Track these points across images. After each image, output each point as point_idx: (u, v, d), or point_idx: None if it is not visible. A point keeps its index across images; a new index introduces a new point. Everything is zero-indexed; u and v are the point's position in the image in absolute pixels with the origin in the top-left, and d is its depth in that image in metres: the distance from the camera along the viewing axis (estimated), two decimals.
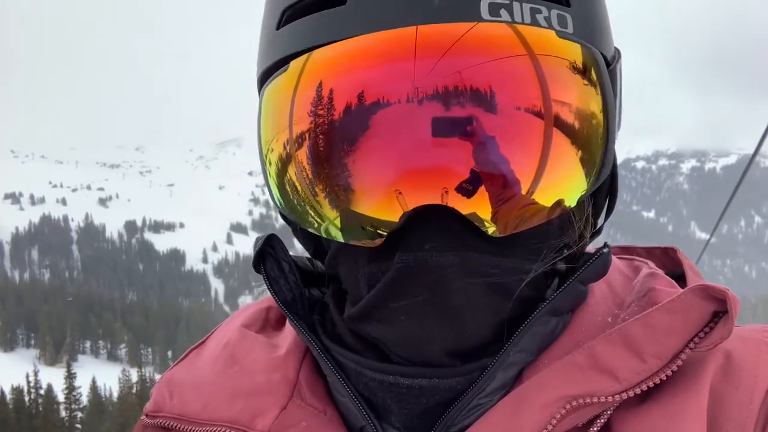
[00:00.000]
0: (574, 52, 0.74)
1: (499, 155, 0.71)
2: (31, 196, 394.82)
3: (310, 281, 0.99)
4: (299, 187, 0.78)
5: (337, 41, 0.74)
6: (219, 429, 0.85)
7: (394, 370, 0.78)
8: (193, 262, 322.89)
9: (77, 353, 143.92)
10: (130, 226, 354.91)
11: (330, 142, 0.74)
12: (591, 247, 0.88)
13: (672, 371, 0.72)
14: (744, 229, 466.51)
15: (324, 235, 0.79)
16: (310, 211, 0.78)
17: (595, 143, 0.74)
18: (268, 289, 0.91)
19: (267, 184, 0.83)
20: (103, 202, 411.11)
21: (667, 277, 0.89)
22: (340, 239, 0.78)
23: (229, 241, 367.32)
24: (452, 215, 0.72)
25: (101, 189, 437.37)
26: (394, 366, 0.79)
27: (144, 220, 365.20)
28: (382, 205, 0.73)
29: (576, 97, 0.73)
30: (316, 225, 0.79)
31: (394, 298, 0.76)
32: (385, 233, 0.74)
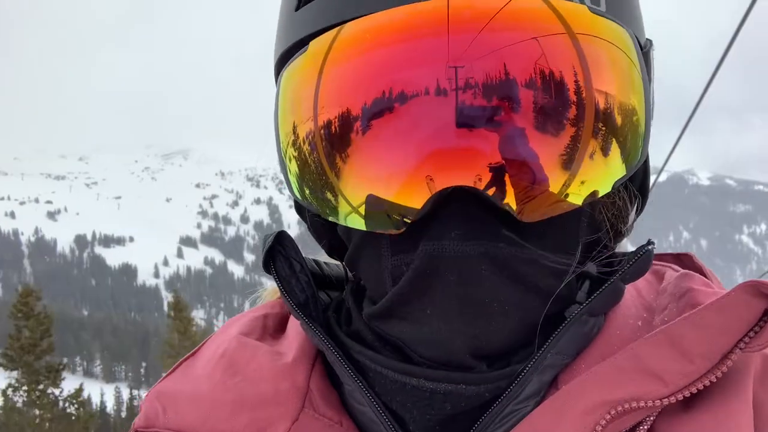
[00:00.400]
0: (607, 29, 0.70)
1: (531, 140, 0.68)
2: None
3: (318, 284, 0.94)
4: (323, 173, 0.74)
5: (360, 17, 0.71)
6: None
7: (419, 372, 0.74)
8: (144, 276, 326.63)
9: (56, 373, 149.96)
10: (81, 240, 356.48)
11: (357, 125, 0.70)
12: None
13: (722, 373, 0.69)
14: (673, 244, 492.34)
15: (347, 224, 0.75)
16: (333, 199, 0.74)
17: (628, 129, 0.71)
18: (280, 289, 0.86)
19: (285, 172, 0.79)
20: (51, 215, 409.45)
21: (701, 276, 0.87)
22: (363, 227, 0.73)
23: (180, 254, 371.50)
24: (479, 202, 0.69)
25: (49, 202, 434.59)
26: (419, 368, 0.75)
27: (94, 234, 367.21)
28: (410, 190, 0.69)
29: (612, 80, 0.69)
30: (338, 214, 0.75)
31: (418, 292, 0.73)
32: (410, 220, 0.70)
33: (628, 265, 0.77)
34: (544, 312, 0.74)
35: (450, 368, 0.74)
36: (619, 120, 0.70)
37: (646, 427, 0.71)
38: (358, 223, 0.73)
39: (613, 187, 0.72)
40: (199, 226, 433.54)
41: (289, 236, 0.90)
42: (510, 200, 0.68)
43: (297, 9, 0.79)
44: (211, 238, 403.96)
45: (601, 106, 0.68)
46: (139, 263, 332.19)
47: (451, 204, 0.69)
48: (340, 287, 0.96)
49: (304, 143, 0.74)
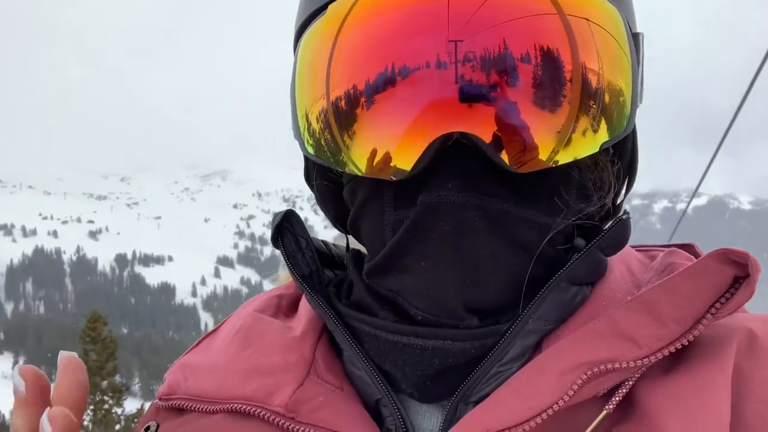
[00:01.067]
0: (595, 4, 0.77)
1: (523, 98, 0.73)
2: (23, 228, 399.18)
3: (324, 262, 1.01)
4: (332, 130, 0.79)
5: None
6: (234, 406, 0.85)
7: (409, 330, 0.79)
8: (183, 295, 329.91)
9: (97, 390, 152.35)
10: (121, 259, 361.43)
11: (362, 87, 0.76)
12: None
13: (693, 336, 0.72)
14: None
15: (354, 171, 0.80)
16: (343, 154, 0.80)
17: (615, 96, 0.76)
18: (286, 262, 0.93)
19: (298, 131, 0.85)
20: (93, 234, 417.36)
21: (687, 253, 0.90)
22: (361, 173, 0.79)
23: (217, 274, 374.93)
24: (475, 158, 0.74)
25: (91, 221, 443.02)
26: (409, 327, 0.80)
27: (134, 253, 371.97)
28: (411, 142, 0.75)
29: (598, 48, 0.75)
30: (347, 165, 0.80)
31: (415, 241, 0.77)
32: (409, 169, 0.75)
33: (603, 234, 0.82)
34: (528, 269, 0.78)
35: (443, 321, 0.79)
36: (605, 88, 0.75)
37: (624, 390, 0.74)
38: (358, 169, 0.79)
39: (599, 149, 0.77)
40: (236, 246, 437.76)
41: (297, 215, 0.98)
42: (501, 150, 0.73)
43: None
44: (247, 258, 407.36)
45: (587, 72, 0.74)
46: (177, 282, 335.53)
47: (449, 158, 0.74)
48: (346, 267, 1.01)
49: (317, 103, 0.80)
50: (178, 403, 0.93)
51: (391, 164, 0.76)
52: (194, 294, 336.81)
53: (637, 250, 0.99)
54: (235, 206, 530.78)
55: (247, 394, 0.85)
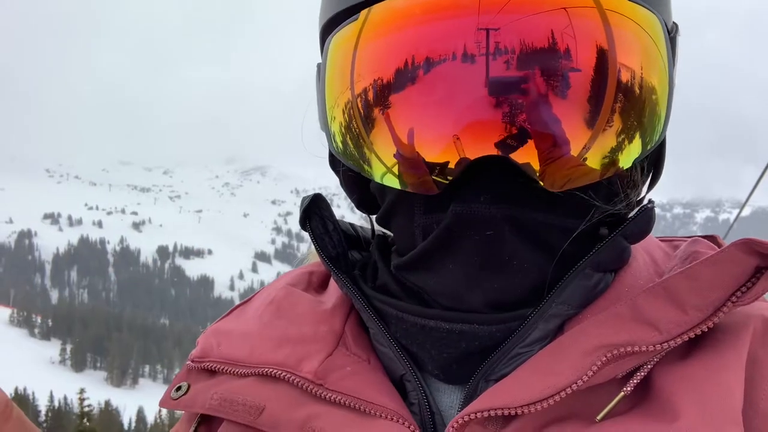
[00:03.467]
0: (638, 13, 0.75)
1: (560, 114, 0.72)
2: (69, 217, 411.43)
3: (351, 244, 1.04)
4: (364, 136, 0.80)
5: None
6: (265, 369, 0.88)
7: (435, 314, 0.81)
8: (221, 289, 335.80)
9: (138, 377, 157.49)
10: (163, 251, 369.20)
11: (396, 93, 0.75)
12: None
13: (713, 323, 0.73)
14: None
15: (384, 183, 0.81)
16: (374, 160, 0.80)
17: (652, 108, 0.76)
18: (313, 243, 0.95)
19: (329, 133, 0.85)
20: (136, 226, 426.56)
21: (710, 242, 0.92)
22: (397, 187, 0.80)
23: (255, 269, 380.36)
24: (508, 169, 0.74)
25: (135, 213, 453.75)
26: (436, 311, 0.82)
27: (175, 246, 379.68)
28: (443, 155, 0.75)
29: (638, 61, 0.74)
30: (375, 174, 0.81)
31: (445, 247, 0.79)
32: (444, 182, 0.76)
33: (627, 222, 0.82)
34: (552, 265, 0.80)
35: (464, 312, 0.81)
36: (642, 100, 0.74)
37: (643, 373, 0.74)
38: (393, 182, 0.80)
39: (632, 164, 0.77)
40: (273, 241, 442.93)
41: (324, 199, 0.99)
42: (537, 170, 0.74)
43: None
44: (284, 254, 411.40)
45: (627, 86, 0.73)
46: (216, 276, 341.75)
47: (482, 170, 0.74)
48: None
49: (347, 105, 0.80)
50: (211, 365, 0.96)
51: (426, 179, 0.77)
52: (232, 288, 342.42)
53: (661, 241, 1.00)
54: (273, 202, 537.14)
55: (278, 360, 0.89)
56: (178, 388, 0.97)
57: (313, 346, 0.89)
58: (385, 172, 0.80)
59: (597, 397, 0.75)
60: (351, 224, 1.07)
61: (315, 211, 0.98)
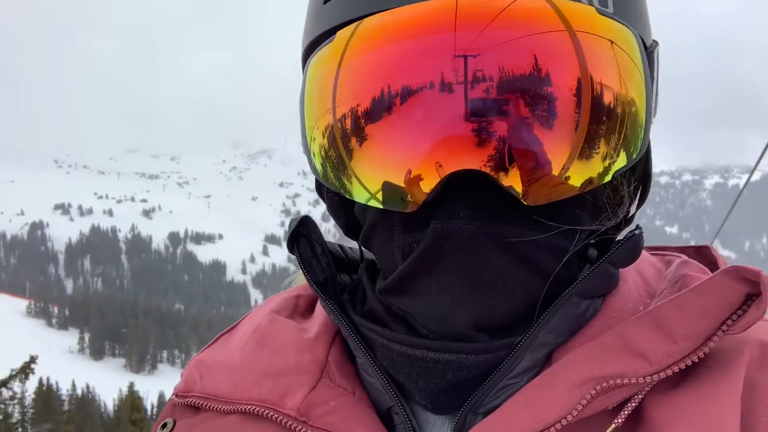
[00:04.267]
0: (612, 29, 0.75)
1: (536, 129, 0.72)
2: (80, 207, 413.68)
3: (340, 267, 1.01)
4: (342, 156, 0.79)
5: (382, 11, 0.76)
6: (248, 407, 0.87)
7: (421, 344, 0.79)
8: (233, 273, 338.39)
9: (157, 362, 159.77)
10: (174, 237, 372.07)
11: (374, 114, 0.75)
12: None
13: (704, 353, 0.72)
14: (765, 246, 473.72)
15: (363, 203, 0.80)
16: (352, 180, 0.79)
17: (628, 123, 0.75)
18: (301, 268, 0.93)
19: (308, 153, 0.83)
20: (147, 213, 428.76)
21: (700, 264, 0.90)
22: (379, 206, 0.79)
23: (265, 252, 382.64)
24: (486, 185, 0.73)
25: (144, 200, 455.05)
26: (422, 340, 0.80)
27: (186, 232, 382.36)
28: (420, 173, 0.74)
29: (612, 76, 0.74)
30: (355, 195, 0.80)
31: (427, 267, 0.77)
32: (422, 201, 0.75)
33: (614, 250, 0.81)
34: (544, 290, 0.78)
35: (452, 340, 0.78)
36: (618, 114, 0.74)
37: (633, 404, 0.73)
38: (373, 202, 0.79)
39: (612, 176, 0.76)
40: (282, 224, 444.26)
41: (312, 221, 0.97)
42: (515, 184, 0.73)
43: (325, 2, 0.84)
44: (291, 276, 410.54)
45: (601, 100, 0.73)
46: (228, 260, 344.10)
47: (461, 186, 0.74)
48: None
49: (327, 129, 0.79)
50: (194, 401, 0.94)
51: (403, 198, 0.76)
52: (244, 271, 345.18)
53: (651, 254, 0.99)
54: (281, 185, 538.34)
55: (261, 395, 0.87)
56: (164, 425, 0.97)
57: (296, 378, 0.87)
58: (364, 192, 0.79)
59: (588, 429, 0.74)
60: (340, 246, 1.06)
61: (303, 234, 0.96)
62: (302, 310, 1.05)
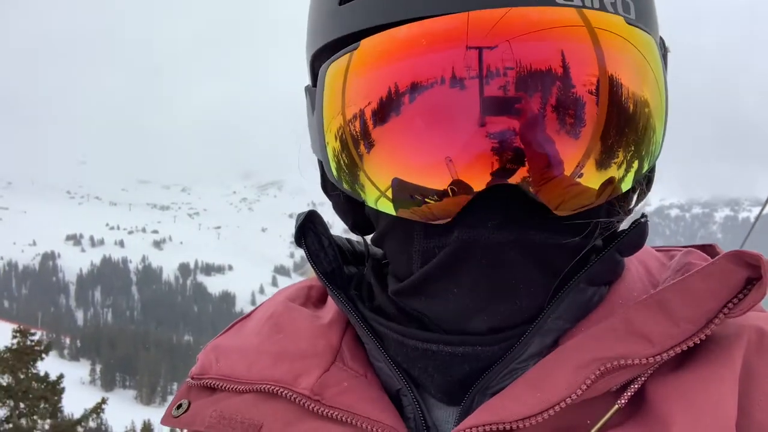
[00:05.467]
0: (638, 38, 0.75)
1: (566, 141, 0.72)
2: (91, 238, 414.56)
3: (346, 259, 1.04)
4: (363, 162, 0.78)
5: (407, 20, 0.75)
6: (263, 386, 0.90)
7: (437, 338, 0.81)
8: (242, 304, 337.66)
9: (167, 394, 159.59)
10: (184, 268, 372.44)
11: (401, 124, 0.74)
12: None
13: (705, 335, 0.73)
14: None
15: (385, 211, 0.80)
16: (373, 188, 0.79)
17: (654, 132, 0.77)
18: (309, 260, 0.95)
19: (326, 160, 0.83)
20: (157, 244, 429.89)
21: (704, 254, 0.93)
22: (408, 216, 0.78)
23: (275, 283, 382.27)
24: (514, 194, 0.74)
25: (155, 231, 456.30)
26: (437, 334, 0.82)
27: (196, 263, 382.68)
28: (455, 189, 0.74)
29: (640, 84, 0.75)
30: (375, 200, 0.80)
31: (449, 273, 0.79)
32: (450, 218, 0.76)
33: (620, 237, 0.84)
34: (556, 282, 0.80)
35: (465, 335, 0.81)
36: (647, 126, 0.76)
37: (636, 385, 0.75)
38: (405, 212, 0.78)
39: (633, 183, 0.79)
40: (292, 255, 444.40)
41: (319, 215, 1.01)
42: (546, 196, 0.74)
43: (341, 3, 0.82)
44: (303, 267, 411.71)
45: (631, 111, 0.74)
46: (237, 291, 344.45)
47: (488, 197, 0.74)
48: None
49: (348, 136, 0.79)
50: (210, 382, 0.97)
51: (432, 211, 0.76)
52: (253, 302, 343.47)
53: (657, 251, 1.01)
54: (290, 216, 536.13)
55: (276, 376, 0.90)
56: (179, 406, 0.99)
57: (311, 361, 0.90)
58: (388, 199, 0.78)
59: (592, 410, 0.75)
60: (348, 239, 1.09)
61: (310, 228, 0.99)
62: (314, 300, 1.08)
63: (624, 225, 0.89)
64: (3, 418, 22.17)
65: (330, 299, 1.04)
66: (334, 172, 0.83)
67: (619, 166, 0.75)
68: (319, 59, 0.85)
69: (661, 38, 0.88)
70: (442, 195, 0.74)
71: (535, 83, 0.70)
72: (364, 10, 0.79)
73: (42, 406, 22.97)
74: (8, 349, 22.48)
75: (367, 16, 0.78)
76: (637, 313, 0.76)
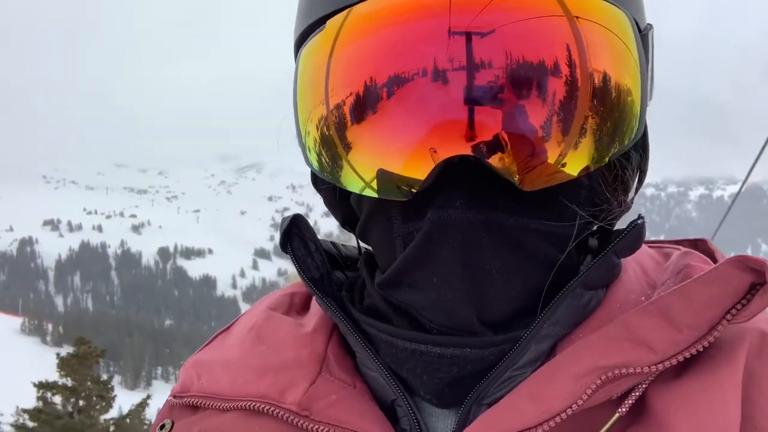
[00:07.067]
0: (605, 11, 0.75)
1: (531, 114, 0.72)
2: (69, 223, 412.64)
3: (333, 264, 1.01)
4: (335, 146, 0.79)
5: None
6: (248, 403, 0.86)
7: (426, 339, 0.79)
8: (223, 287, 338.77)
9: (152, 379, 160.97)
10: (164, 252, 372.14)
11: (367, 101, 0.75)
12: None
13: (708, 342, 0.72)
14: None
15: (360, 193, 0.80)
16: (348, 171, 0.79)
17: (623, 104, 0.75)
18: (296, 267, 0.92)
19: (303, 146, 0.83)
20: (136, 228, 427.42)
21: (702, 255, 0.91)
22: (375, 195, 0.78)
23: (255, 266, 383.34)
24: (483, 174, 0.74)
25: (134, 216, 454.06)
26: (426, 335, 0.80)
27: (176, 247, 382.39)
28: (416, 162, 0.74)
29: (606, 59, 0.74)
30: (352, 186, 0.80)
31: (425, 257, 0.77)
32: (417, 189, 0.75)
33: (618, 239, 0.81)
34: (548, 280, 0.79)
35: (457, 334, 0.79)
36: (613, 98, 0.74)
37: (638, 393, 0.74)
38: (370, 192, 0.78)
39: (608, 160, 0.76)
40: (272, 238, 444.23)
41: (305, 219, 0.96)
42: (510, 170, 0.73)
43: None
44: (286, 274, 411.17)
45: (597, 84, 0.73)
46: (218, 275, 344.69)
47: (458, 174, 0.74)
48: (357, 268, 1.01)
49: (319, 120, 0.79)
50: (192, 400, 0.93)
51: (398, 185, 0.76)
52: (234, 286, 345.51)
53: (649, 246, 0.99)
54: (270, 199, 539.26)
55: (261, 391, 0.86)
56: (162, 426, 0.95)
57: (296, 372, 0.87)
58: (360, 182, 0.79)
59: (593, 419, 0.74)
60: (333, 243, 1.06)
61: (295, 233, 0.96)
62: (298, 307, 1.04)
63: (619, 225, 0.88)
64: (66, 414, 24.76)
65: (314, 305, 1.01)
66: (314, 159, 0.83)
67: (585, 143, 0.74)
68: (299, 48, 0.86)
69: (649, 24, 0.87)
70: (407, 168, 0.75)
71: (498, 58, 0.70)
72: None
73: (100, 405, 25.74)
74: (72, 355, 25.35)
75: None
76: (637, 320, 0.74)
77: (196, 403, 0.93)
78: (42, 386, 25.04)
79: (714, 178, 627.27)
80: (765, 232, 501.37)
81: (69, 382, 25.17)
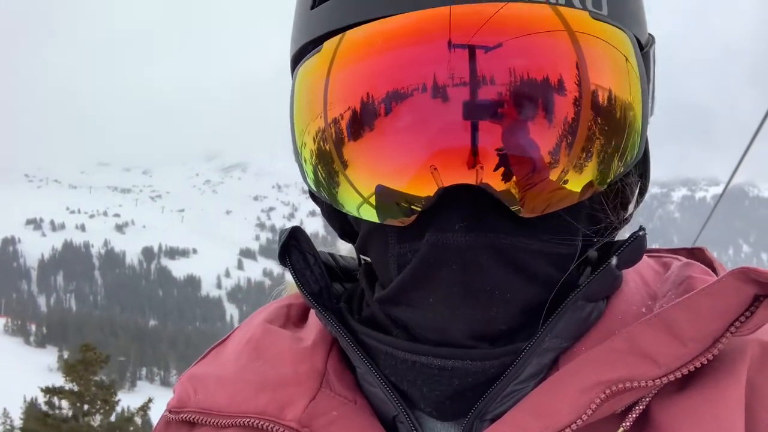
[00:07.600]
0: (607, 33, 0.74)
1: (532, 138, 0.71)
2: (52, 222, 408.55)
3: (332, 276, 0.99)
4: (334, 167, 0.78)
5: (371, 21, 0.75)
6: (246, 420, 0.85)
7: (426, 350, 0.78)
8: (208, 288, 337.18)
9: (136, 379, 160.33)
10: (148, 252, 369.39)
11: (365, 122, 0.74)
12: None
13: (713, 355, 0.72)
14: (732, 258, 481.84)
15: (358, 215, 0.79)
16: (345, 192, 0.79)
17: (626, 126, 0.74)
18: (295, 280, 0.91)
19: (300, 164, 0.83)
20: (120, 228, 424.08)
21: (702, 266, 0.90)
22: (374, 219, 0.78)
23: (240, 266, 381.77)
24: (483, 196, 0.73)
25: (117, 215, 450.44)
26: (426, 347, 0.79)
27: (160, 246, 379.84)
28: (418, 182, 0.73)
29: (609, 80, 0.73)
30: (349, 206, 0.79)
31: (423, 279, 0.77)
32: (419, 209, 0.74)
33: (619, 251, 0.81)
34: (549, 299, 0.78)
35: (454, 347, 0.78)
36: (616, 120, 0.73)
37: (641, 407, 0.74)
38: (369, 214, 0.78)
39: (609, 183, 0.76)
40: (257, 238, 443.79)
41: (303, 231, 0.94)
42: (513, 195, 0.72)
43: (312, 8, 0.83)
44: (269, 250, 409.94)
45: (599, 107, 0.72)
46: (202, 275, 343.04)
47: (456, 197, 0.73)
48: (356, 279, 1.00)
49: (317, 138, 0.78)
50: (189, 416, 0.91)
51: (397, 210, 0.76)
52: (219, 286, 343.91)
53: (647, 255, 0.98)
54: (255, 198, 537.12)
55: (260, 407, 0.85)
56: None
57: (296, 389, 0.86)
58: (358, 203, 0.78)
59: None
60: (331, 254, 1.05)
61: (294, 245, 0.93)
62: (295, 319, 1.02)
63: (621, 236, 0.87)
64: (69, 417, 25.71)
65: (311, 317, 1.00)
66: (311, 178, 0.82)
67: (586, 165, 0.73)
68: (295, 63, 0.85)
69: (650, 35, 0.86)
70: (408, 196, 0.74)
71: (498, 80, 0.70)
72: (330, 12, 0.80)
73: (104, 408, 26.77)
74: (79, 361, 26.22)
75: (333, 18, 0.79)
76: (641, 333, 0.74)
77: (193, 419, 0.91)
78: (49, 391, 25.93)
79: (696, 179, 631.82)
80: (746, 232, 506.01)
81: (75, 387, 26.10)
